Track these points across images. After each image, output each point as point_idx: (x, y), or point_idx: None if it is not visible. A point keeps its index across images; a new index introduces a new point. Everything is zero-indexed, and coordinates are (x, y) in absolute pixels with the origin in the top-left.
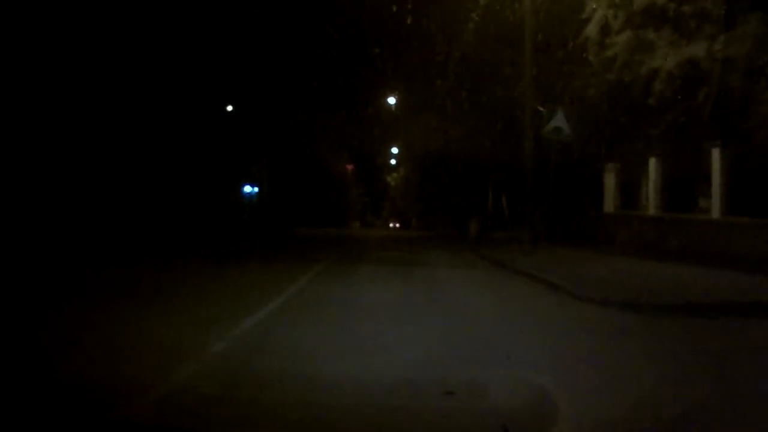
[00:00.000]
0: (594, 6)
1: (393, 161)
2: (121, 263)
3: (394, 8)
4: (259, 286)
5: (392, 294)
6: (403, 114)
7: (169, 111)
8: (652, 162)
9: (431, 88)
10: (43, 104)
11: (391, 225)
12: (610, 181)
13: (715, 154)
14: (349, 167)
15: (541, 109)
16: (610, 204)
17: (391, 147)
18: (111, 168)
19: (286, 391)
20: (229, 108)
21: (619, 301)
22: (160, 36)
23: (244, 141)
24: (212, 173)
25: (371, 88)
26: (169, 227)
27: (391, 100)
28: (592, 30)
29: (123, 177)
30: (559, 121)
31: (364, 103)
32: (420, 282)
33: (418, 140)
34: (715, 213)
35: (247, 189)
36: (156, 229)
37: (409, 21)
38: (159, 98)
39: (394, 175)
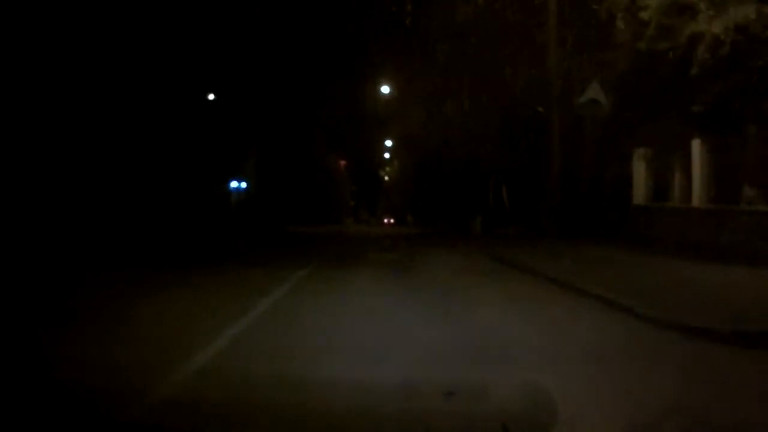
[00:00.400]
0: None
1: (387, 155)
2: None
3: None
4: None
5: (393, 321)
6: (399, 103)
7: (149, 101)
8: (696, 145)
9: (430, 76)
10: (14, 100)
11: (385, 221)
12: (639, 169)
13: None
14: (343, 163)
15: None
16: (640, 195)
17: (385, 140)
18: (76, 161)
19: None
20: (211, 96)
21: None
22: (150, 30)
23: (231, 134)
24: (197, 167)
25: (366, 79)
26: (146, 226)
27: (385, 89)
28: None
29: (92, 171)
30: (594, 92)
31: (359, 95)
32: (429, 296)
33: (416, 130)
34: None
35: (234, 184)
36: (132, 228)
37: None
38: (141, 89)
39: (388, 169)
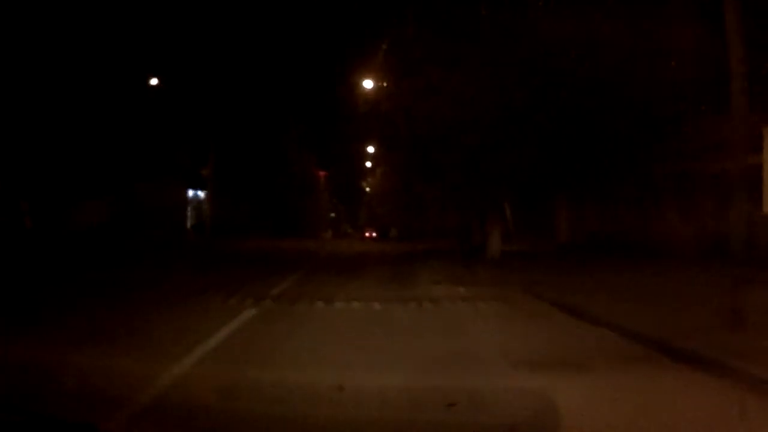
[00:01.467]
0: None
1: (368, 164)
2: None
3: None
4: None
5: None
6: (388, 98)
7: (80, 88)
8: None
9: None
10: None
11: (367, 234)
12: None
13: None
14: (322, 173)
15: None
16: None
17: (368, 147)
18: None
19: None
20: (154, 81)
21: None
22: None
23: (186, 132)
24: (142, 171)
25: (347, 75)
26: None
27: (369, 83)
28: None
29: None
30: None
31: (339, 93)
32: None
33: (407, 128)
34: None
35: (192, 192)
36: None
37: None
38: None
39: (370, 179)
